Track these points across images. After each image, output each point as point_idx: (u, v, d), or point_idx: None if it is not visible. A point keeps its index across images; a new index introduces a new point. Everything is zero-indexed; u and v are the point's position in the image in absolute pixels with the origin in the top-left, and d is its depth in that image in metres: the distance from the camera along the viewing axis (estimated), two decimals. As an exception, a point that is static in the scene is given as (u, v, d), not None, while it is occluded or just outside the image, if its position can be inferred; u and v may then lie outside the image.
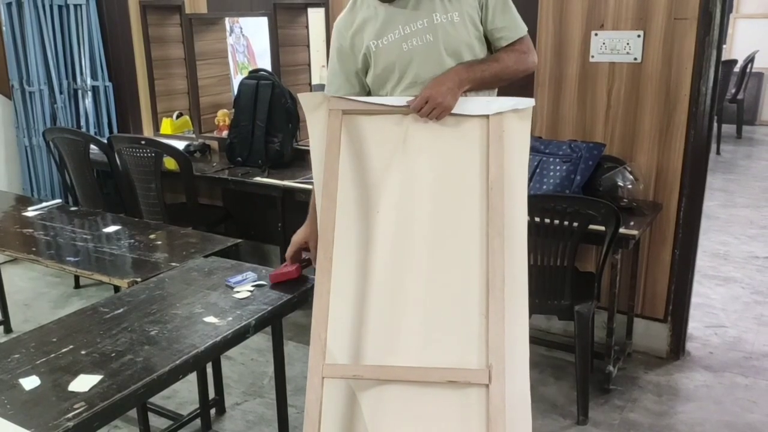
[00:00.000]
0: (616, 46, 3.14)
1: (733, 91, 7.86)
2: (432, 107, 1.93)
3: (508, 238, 1.88)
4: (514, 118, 1.94)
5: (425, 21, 1.98)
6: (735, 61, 7.88)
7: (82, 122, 4.82)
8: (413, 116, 1.97)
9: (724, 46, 3.21)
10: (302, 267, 2.14)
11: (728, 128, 8.01)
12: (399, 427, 1.89)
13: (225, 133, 4.34)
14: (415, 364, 1.88)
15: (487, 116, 1.94)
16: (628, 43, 3.11)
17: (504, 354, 1.80)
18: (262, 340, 3.20)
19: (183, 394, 3.03)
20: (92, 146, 3.90)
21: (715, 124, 7.09)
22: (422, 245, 1.95)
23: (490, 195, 1.88)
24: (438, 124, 1.97)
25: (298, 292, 2.12)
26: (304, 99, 2.05)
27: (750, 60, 7.93)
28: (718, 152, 7.44)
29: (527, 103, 1.95)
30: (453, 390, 1.85)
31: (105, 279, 2.33)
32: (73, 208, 3.26)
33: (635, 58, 3.11)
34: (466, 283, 1.90)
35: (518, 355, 1.88)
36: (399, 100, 1.99)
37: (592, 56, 3.21)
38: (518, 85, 2.15)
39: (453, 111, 1.95)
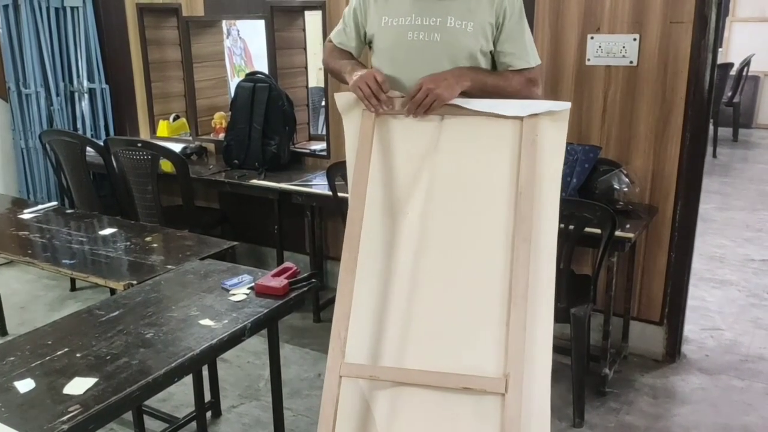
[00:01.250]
0: (612, 49, 3.14)
1: (730, 94, 7.88)
2: (425, 94, 1.92)
3: (535, 245, 1.85)
4: (548, 121, 1.91)
5: (438, 20, 1.99)
6: (731, 65, 7.91)
7: (79, 125, 4.81)
8: (447, 117, 1.97)
9: (720, 49, 3.21)
10: (290, 285, 2.12)
11: (724, 131, 8.03)
12: None
13: (222, 136, 4.34)
14: (431, 368, 1.86)
15: (521, 119, 1.92)
16: (624, 47, 3.11)
17: (522, 364, 1.77)
18: (258, 343, 3.19)
19: (179, 397, 3.03)
20: (88, 149, 3.90)
21: (711, 127, 7.10)
22: (446, 249, 1.94)
23: (518, 201, 1.86)
24: (471, 126, 1.96)
25: (294, 295, 2.12)
26: (340, 99, 2.08)
27: (746, 63, 7.96)
28: (714, 155, 7.46)
29: (563, 106, 1.92)
30: (468, 397, 1.84)
31: (101, 281, 2.33)
32: (69, 211, 3.26)
33: (631, 62, 3.12)
34: (489, 289, 1.88)
35: (538, 365, 1.86)
36: None
37: (588, 59, 3.21)
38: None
39: (485, 109, 1.94)
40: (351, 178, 2.03)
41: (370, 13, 2.11)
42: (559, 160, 1.93)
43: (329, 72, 2.32)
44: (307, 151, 4.22)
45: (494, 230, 1.90)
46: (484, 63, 2.05)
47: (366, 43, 2.19)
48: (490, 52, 2.06)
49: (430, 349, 1.90)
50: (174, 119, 4.78)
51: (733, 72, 7.86)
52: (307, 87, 4.48)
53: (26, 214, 2.99)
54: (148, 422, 2.77)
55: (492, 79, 2.04)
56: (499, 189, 1.92)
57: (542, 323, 1.87)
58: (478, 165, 1.95)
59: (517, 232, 1.85)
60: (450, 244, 1.94)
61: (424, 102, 1.93)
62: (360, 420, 1.93)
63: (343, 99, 2.07)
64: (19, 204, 3.30)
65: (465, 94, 1.98)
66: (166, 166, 3.87)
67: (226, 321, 1.93)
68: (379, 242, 1.99)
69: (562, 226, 2.69)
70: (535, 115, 1.91)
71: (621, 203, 3.05)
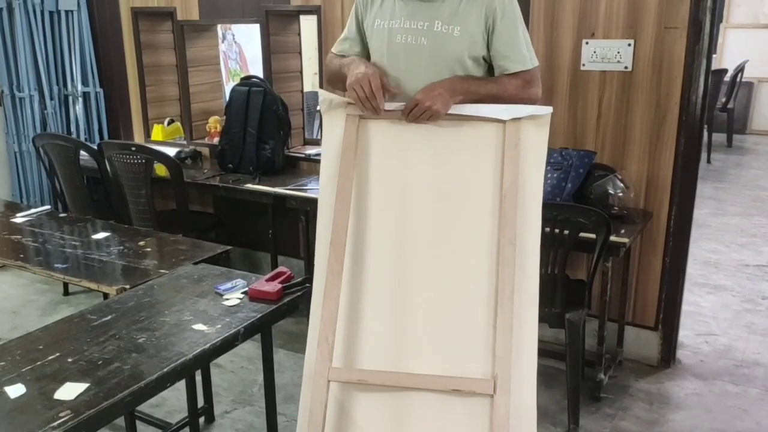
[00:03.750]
0: (606, 54, 3.15)
1: (724, 100, 7.91)
2: (422, 110, 1.93)
3: (519, 248, 1.86)
4: (531, 125, 1.92)
5: (425, 24, 1.98)
6: (725, 71, 7.94)
7: (73, 128, 4.80)
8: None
9: (714, 55, 3.22)
10: (284, 289, 2.11)
11: (719, 137, 8.05)
12: None
13: (216, 140, 4.33)
14: (419, 371, 1.86)
15: (504, 122, 1.92)
16: (618, 52, 3.12)
17: (510, 365, 1.78)
18: (252, 348, 3.18)
19: (172, 402, 3.01)
20: (82, 152, 3.88)
21: (706, 133, 7.13)
22: (430, 252, 1.94)
23: (502, 203, 1.87)
24: (454, 130, 1.96)
25: (288, 299, 2.10)
26: (323, 96, 2.07)
27: (740, 69, 7.99)
28: (708, 161, 7.48)
29: (545, 110, 1.94)
30: (457, 399, 1.84)
31: (93, 286, 2.31)
32: (62, 215, 3.23)
33: (626, 67, 3.13)
34: (474, 291, 1.89)
35: (525, 366, 1.86)
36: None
37: (583, 64, 3.22)
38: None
39: (469, 113, 1.94)
40: (326, 179, 2.02)
41: (368, 14, 2.11)
42: (542, 164, 1.94)
43: (329, 80, 2.29)
44: (302, 155, 4.21)
45: (478, 233, 1.91)
46: (473, 67, 2.02)
47: (366, 48, 2.18)
48: (483, 57, 2.04)
49: (418, 352, 1.90)
50: (168, 123, 4.76)
51: (727, 78, 7.89)
52: (302, 91, 4.48)
53: (19, 218, 2.97)
54: (141, 428, 2.75)
55: (486, 88, 2.02)
56: (483, 192, 1.92)
57: (528, 324, 1.88)
58: (461, 168, 1.95)
59: (501, 235, 1.85)
60: (434, 247, 1.94)
61: (421, 117, 1.94)
62: (344, 424, 1.92)
63: (325, 98, 2.06)
64: (12, 208, 3.27)
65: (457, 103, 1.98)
66: (160, 170, 3.86)
67: (220, 326, 1.92)
68: (363, 246, 1.98)
69: (557, 231, 2.70)
70: (518, 119, 1.91)
71: (616, 208, 3.05)
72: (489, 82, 2.05)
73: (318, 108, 4.81)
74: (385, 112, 1.99)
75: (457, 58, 1.99)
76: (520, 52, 2.03)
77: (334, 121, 2.03)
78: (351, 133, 1.99)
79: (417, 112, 1.94)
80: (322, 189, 2.06)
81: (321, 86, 4.03)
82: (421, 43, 1.98)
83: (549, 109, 1.94)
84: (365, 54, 2.19)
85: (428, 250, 1.94)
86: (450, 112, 1.96)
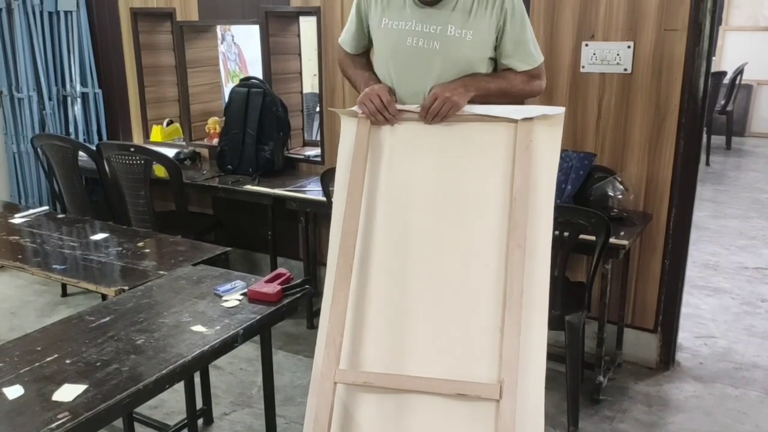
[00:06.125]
0: (606, 56, 3.15)
1: (723, 102, 7.91)
2: (442, 103, 1.93)
3: (529, 251, 1.85)
4: (543, 125, 1.91)
5: (439, 28, 1.99)
6: (724, 73, 7.94)
7: (71, 129, 4.79)
8: (440, 123, 1.98)
9: (713, 58, 3.22)
10: (284, 290, 2.11)
11: (718, 139, 8.06)
12: None
13: (215, 141, 4.33)
14: (425, 374, 1.86)
15: (515, 123, 1.92)
16: (618, 54, 3.12)
17: (517, 369, 1.77)
18: (251, 350, 3.17)
19: (170, 404, 3.00)
20: (81, 153, 3.87)
21: (705, 135, 7.12)
22: (438, 254, 1.94)
23: (513, 205, 1.85)
24: (464, 131, 1.97)
25: (287, 301, 2.10)
26: (338, 113, 2.12)
27: (739, 72, 7.98)
28: (707, 163, 7.48)
29: (557, 110, 1.93)
30: (463, 403, 1.83)
31: (92, 287, 2.30)
32: (60, 216, 3.22)
33: (625, 69, 3.12)
34: (482, 294, 1.88)
35: (532, 371, 1.85)
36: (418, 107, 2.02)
37: (583, 67, 3.21)
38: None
39: (480, 113, 1.95)
40: (339, 183, 2.03)
41: (372, 11, 2.11)
42: (554, 165, 1.93)
43: (344, 76, 2.37)
44: (302, 156, 4.21)
45: (487, 235, 1.90)
46: (483, 69, 2.05)
47: (369, 39, 2.20)
48: (491, 57, 2.05)
49: (424, 356, 1.89)
50: (167, 124, 4.75)
51: (726, 80, 7.89)
52: (301, 93, 4.48)
53: (17, 219, 2.96)
54: (140, 429, 2.75)
55: (495, 84, 2.05)
56: (493, 194, 1.91)
57: (536, 328, 1.87)
58: (471, 169, 1.95)
59: (510, 238, 1.84)
60: (443, 249, 1.93)
61: (441, 111, 1.94)
62: (348, 427, 1.92)
63: (340, 111, 2.11)
64: (10, 208, 3.26)
65: (470, 102, 1.99)
66: (159, 171, 3.85)
67: (219, 327, 1.91)
68: (372, 248, 1.98)
69: (557, 233, 2.69)
70: (530, 119, 1.90)
71: (615, 210, 3.05)
72: (497, 77, 2.07)
73: (317, 110, 4.82)
74: (399, 112, 1.99)
75: (469, 62, 2.01)
76: (528, 52, 2.07)
77: (351, 127, 2.05)
78: (362, 136, 1.99)
79: (437, 106, 1.94)
80: (336, 194, 2.06)
81: (320, 87, 4.03)
82: (434, 47, 1.99)
83: (561, 110, 1.93)
84: (363, 45, 2.23)
85: (437, 252, 1.93)
86: (461, 112, 1.96)
